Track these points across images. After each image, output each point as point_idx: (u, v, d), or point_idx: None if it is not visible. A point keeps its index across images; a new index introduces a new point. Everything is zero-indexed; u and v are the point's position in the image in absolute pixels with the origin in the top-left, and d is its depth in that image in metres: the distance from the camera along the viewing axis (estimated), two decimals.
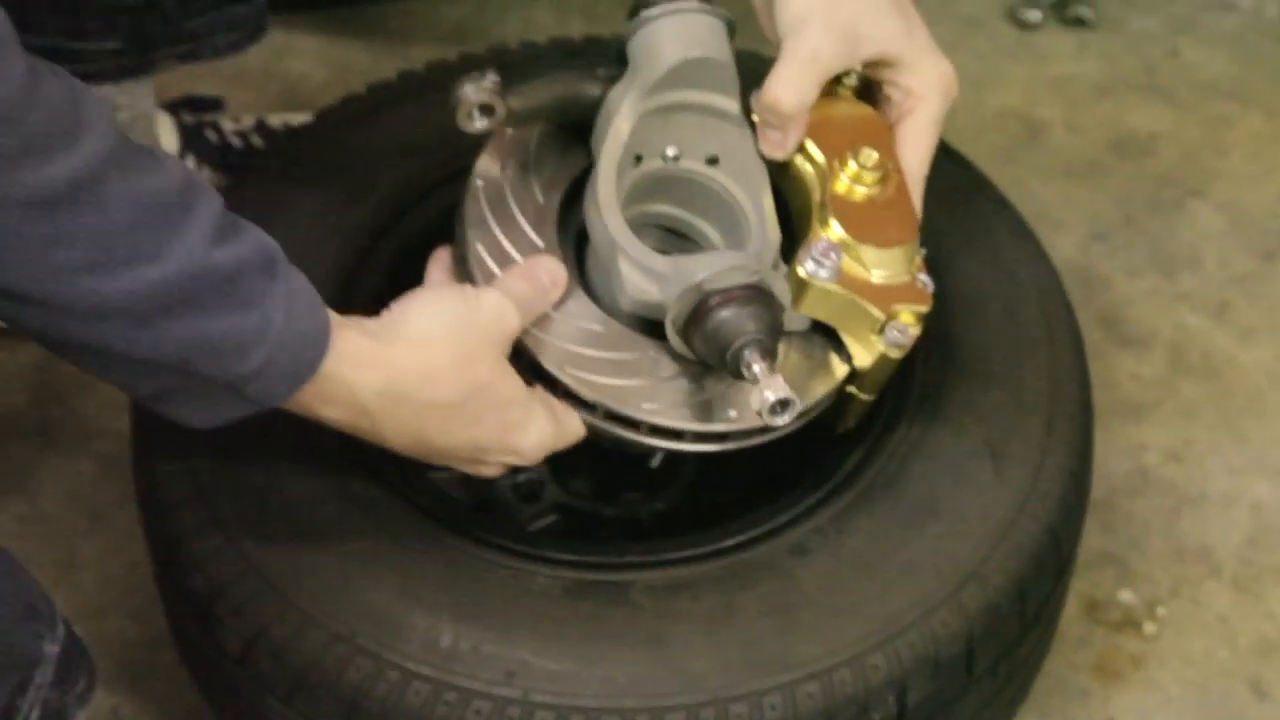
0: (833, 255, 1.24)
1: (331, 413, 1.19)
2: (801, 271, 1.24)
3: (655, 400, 1.25)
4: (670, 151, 1.32)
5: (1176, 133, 2.06)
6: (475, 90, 1.25)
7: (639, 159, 1.31)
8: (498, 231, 1.30)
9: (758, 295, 1.21)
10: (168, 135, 1.79)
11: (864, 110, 1.32)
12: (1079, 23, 2.19)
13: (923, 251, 1.28)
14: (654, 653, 1.22)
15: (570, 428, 1.27)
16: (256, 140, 1.84)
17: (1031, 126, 2.08)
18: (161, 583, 1.38)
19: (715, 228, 1.34)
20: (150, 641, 1.57)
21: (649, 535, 1.34)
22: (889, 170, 1.27)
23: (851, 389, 1.29)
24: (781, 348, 1.26)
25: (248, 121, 1.87)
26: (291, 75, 2.10)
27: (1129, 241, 1.95)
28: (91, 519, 1.66)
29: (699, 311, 1.22)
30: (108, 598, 1.61)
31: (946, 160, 1.53)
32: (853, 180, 1.27)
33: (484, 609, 1.24)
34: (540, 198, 1.31)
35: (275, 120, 1.89)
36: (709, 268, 1.22)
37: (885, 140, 1.30)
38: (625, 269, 1.26)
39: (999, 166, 2.01)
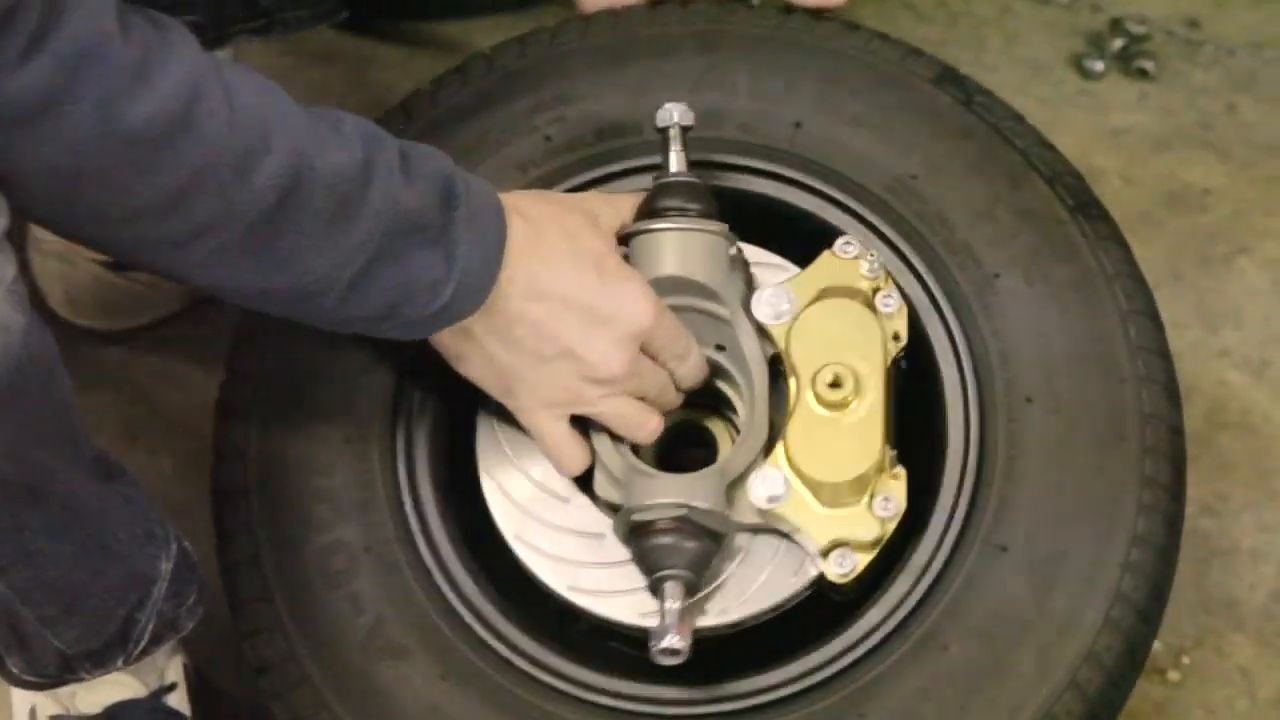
0: (779, 482, 1.32)
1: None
2: (750, 496, 1.33)
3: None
4: None
5: (1229, 189, 2.12)
6: None
7: None
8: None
9: (684, 528, 1.31)
10: None
11: (861, 315, 1.37)
12: (1141, 74, 2.25)
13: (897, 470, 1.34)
14: None
15: (670, 318, 1.34)
16: None
17: (1088, 175, 2.12)
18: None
19: (733, 391, 1.43)
20: (221, 639, 1.64)
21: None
22: (858, 394, 1.33)
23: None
24: (755, 540, 1.36)
25: None
26: (377, 86, 2.17)
27: (1176, 295, 2.01)
28: (170, 514, 1.74)
29: (631, 535, 1.33)
30: None
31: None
32: (819, 401, 1.33)
33: None
34: None
35: None
36: (644, 496, 1.32)
37: (873, 353, 1.35)
38: (597, 469, 1.37)
39: None
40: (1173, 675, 1.68)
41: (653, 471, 1.37)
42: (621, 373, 1.31)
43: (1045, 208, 1.47)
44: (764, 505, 1.32)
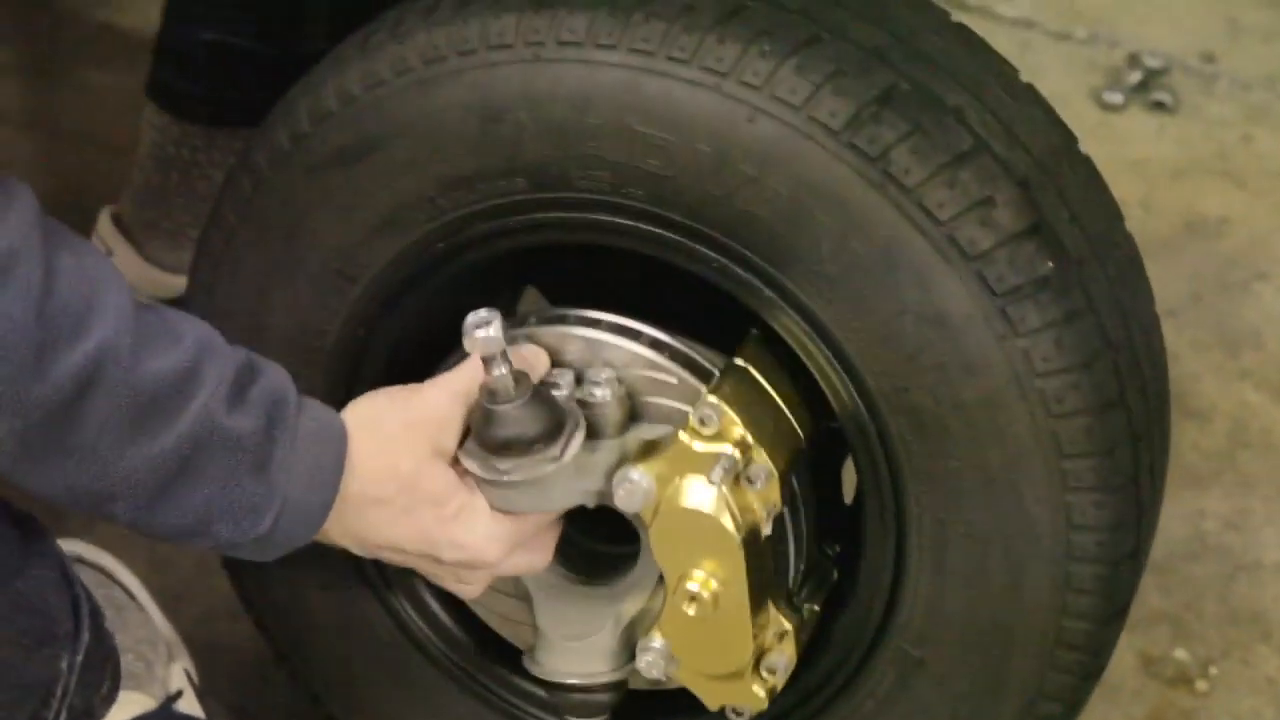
0: (662, 659, 1.30)
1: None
2: (641, 672, 1.32)
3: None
4: None
5: (1246, 216, 2.18)
6: None
7: None
8: None
9: (592, 686, 1.34)
10: None
11: (713, 522, 1.25)
12: (1159, 106, 2.31)
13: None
14: None
15: (529, 523, 1.26)
16: None
17: None
18: None
19: None
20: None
21: None
22: (718, 603, 1.27)
23: None
24: None
25: None
26: None
27: (1197, 318, 2.06)
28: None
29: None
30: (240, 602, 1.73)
31: None
32: (686, 600, 1.27)
33: None
34: None
35: None
36: (548, 662, 1.35)
37: (730, 558, 1.26)
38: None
39: None
40: (1201, 685, 1.72)
41: (553, 640, 1.36)
42: (484, 583, 1.29)
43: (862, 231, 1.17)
44: (655, 679, 1.33)
